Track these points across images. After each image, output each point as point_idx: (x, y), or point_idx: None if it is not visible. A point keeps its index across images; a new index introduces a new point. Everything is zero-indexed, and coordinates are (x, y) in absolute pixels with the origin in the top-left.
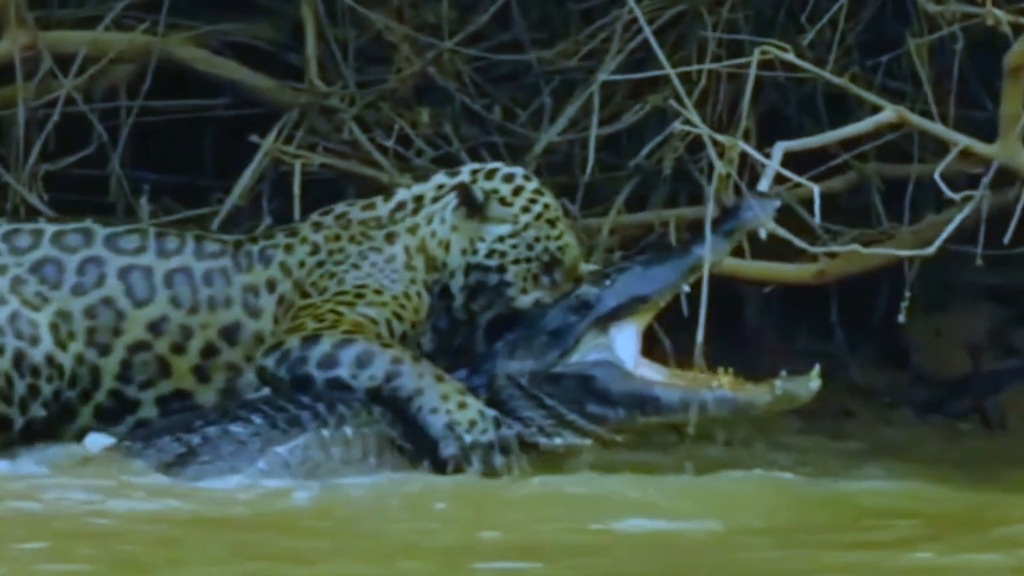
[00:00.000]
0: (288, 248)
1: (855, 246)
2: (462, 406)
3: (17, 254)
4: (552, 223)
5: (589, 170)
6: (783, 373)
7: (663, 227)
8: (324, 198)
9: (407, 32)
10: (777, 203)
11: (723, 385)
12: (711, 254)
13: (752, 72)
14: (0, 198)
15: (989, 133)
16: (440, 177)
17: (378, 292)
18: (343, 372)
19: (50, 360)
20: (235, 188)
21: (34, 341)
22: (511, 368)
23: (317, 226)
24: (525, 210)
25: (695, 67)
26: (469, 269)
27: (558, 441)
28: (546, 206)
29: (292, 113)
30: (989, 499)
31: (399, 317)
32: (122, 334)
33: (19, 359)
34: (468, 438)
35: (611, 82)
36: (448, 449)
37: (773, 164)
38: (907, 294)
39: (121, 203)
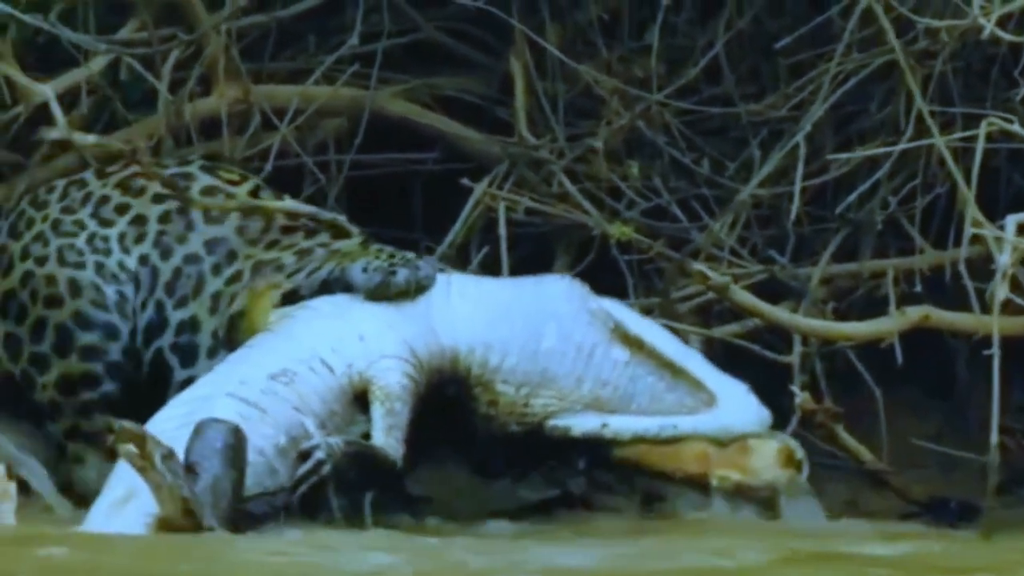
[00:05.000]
0: None
1: None
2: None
3: None
4: None
5: (792, 219)
6: None
7: (872, 278)
8: (534, 253)
9: (616, 85)
10: None
11: None
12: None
13: (980, 145)
14: None
15: None
16: None
17: None
18: None
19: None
20: (450, 233)
21: None
22: None
23: None
24: None
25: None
26: None
27: None
28: None
29: (501, 166)
30: None
31: None
32: None
33: None
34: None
35: (819, 134)
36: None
37: (1009, 238)
38: None
39: None
